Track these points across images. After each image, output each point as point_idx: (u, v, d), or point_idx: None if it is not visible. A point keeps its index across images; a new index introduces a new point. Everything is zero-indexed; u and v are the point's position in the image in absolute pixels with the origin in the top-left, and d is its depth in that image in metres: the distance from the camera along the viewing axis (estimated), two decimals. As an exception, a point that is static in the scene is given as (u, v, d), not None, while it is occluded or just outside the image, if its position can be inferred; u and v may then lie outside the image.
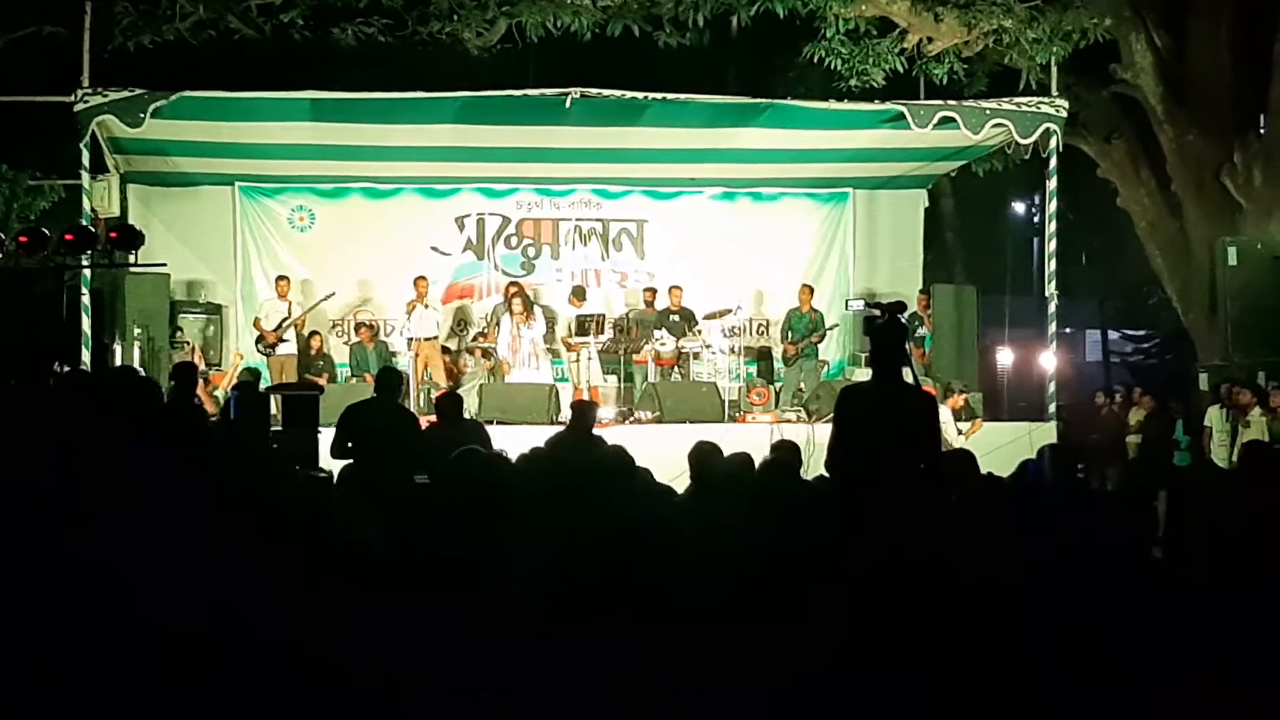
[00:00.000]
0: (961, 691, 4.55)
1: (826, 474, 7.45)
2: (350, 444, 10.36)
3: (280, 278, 18.58)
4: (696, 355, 18.50)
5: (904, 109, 16.11)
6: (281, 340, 18.08)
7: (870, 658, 4.42)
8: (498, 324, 18.26)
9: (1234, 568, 5.96)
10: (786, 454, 8.42)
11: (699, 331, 18.46)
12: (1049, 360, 17.41)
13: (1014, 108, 16.37)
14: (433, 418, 12.23)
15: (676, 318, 18.63)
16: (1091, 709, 4.51)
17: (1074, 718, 4.50)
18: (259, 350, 18.29)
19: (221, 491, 4.03)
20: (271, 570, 3.49)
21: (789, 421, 16.20)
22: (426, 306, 18.12)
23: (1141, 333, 37.04)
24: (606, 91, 15.59)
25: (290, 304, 18.28)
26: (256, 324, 18.33)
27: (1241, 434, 14.91)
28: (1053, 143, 16.43)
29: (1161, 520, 7.87)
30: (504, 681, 3.68)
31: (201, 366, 16.76)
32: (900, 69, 17.37)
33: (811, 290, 19.13)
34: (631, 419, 16.60)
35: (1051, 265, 17.13)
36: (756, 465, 7.39)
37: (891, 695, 4.40)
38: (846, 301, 19.31)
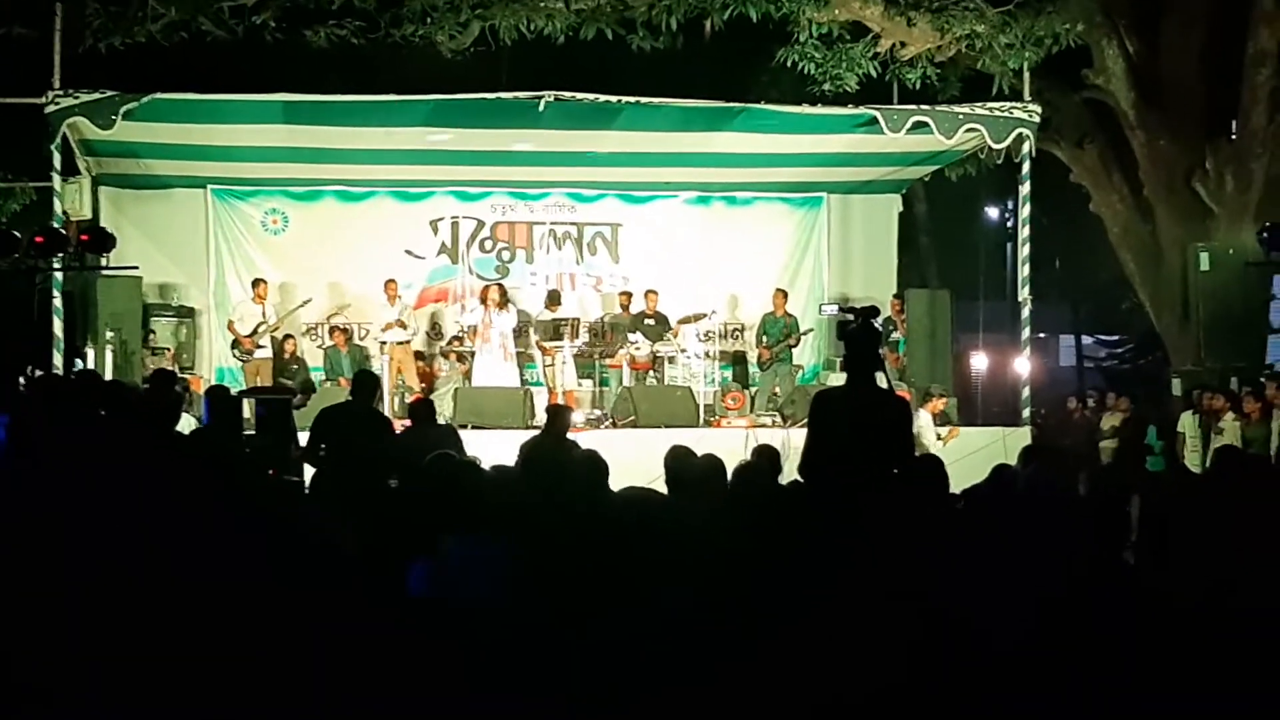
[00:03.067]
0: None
1: (801, 479, 7.44)
2: (321, 449, 10.22)
3: (257, 281, 18.49)
4: (671, 359, 18.49)
5: (877, 113, 16.13)
6: (258, 346, 18.01)
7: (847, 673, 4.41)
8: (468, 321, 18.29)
9: (1206, 574, 5.96)
10: (763, 459, 8.40)
11: (674, 335, 18.45)
12: (1023, 365, 17.45)
13: (987, 113, 16.41)
14: (407, 422, 12.18)
15: (652, 321, 18.61)
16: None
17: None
18: (235, 355, 18.23)
19: (192, 495, 3.99)
20: (239, 574, 3.47)
21: (764, 426, 16.19)
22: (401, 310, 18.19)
23: (1115, 337, 37.20)
24: (580, 95, 15.56)
25: (265, 307, 18.20)
26: (230, 327, 18.26)
27: (1214, 440, 14.92)
28: (1025, 148, 16.49)
29: (1134, 526, 7.87)
30: (472, 689, 3.67)
31: (175, 370, 16.70)
32: (873, 74, 17.41)
33: (786, 294, 19.15)
34: (606, 424, 16.56)
35: (1025, 270, 17.18)
36: (729, 468, 7.34)
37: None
38: (820, 306, 19.30)
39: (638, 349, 18.18)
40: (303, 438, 10.82)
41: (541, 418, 14.43)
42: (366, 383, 11.04)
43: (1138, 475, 16.96)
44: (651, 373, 18.43)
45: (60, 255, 13.42)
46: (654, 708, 3.84)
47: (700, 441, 9.24)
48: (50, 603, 3.09)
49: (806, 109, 16.49)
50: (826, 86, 17.30)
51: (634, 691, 3.85)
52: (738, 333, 20.39)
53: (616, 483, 6.83)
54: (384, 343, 17.99)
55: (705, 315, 18.44)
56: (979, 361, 22.42)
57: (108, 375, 14.77)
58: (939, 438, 15.53)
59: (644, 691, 3.86)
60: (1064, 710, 4.51)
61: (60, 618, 3.07)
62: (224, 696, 3.12)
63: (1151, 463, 17.60)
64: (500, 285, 18.18)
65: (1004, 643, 4.77)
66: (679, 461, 7.34)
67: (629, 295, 19.28)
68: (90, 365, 15.94)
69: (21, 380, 12.82)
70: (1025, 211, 17.22)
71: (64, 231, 14.10)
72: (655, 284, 19.26)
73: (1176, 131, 18.25)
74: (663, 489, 7.12)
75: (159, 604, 3.14)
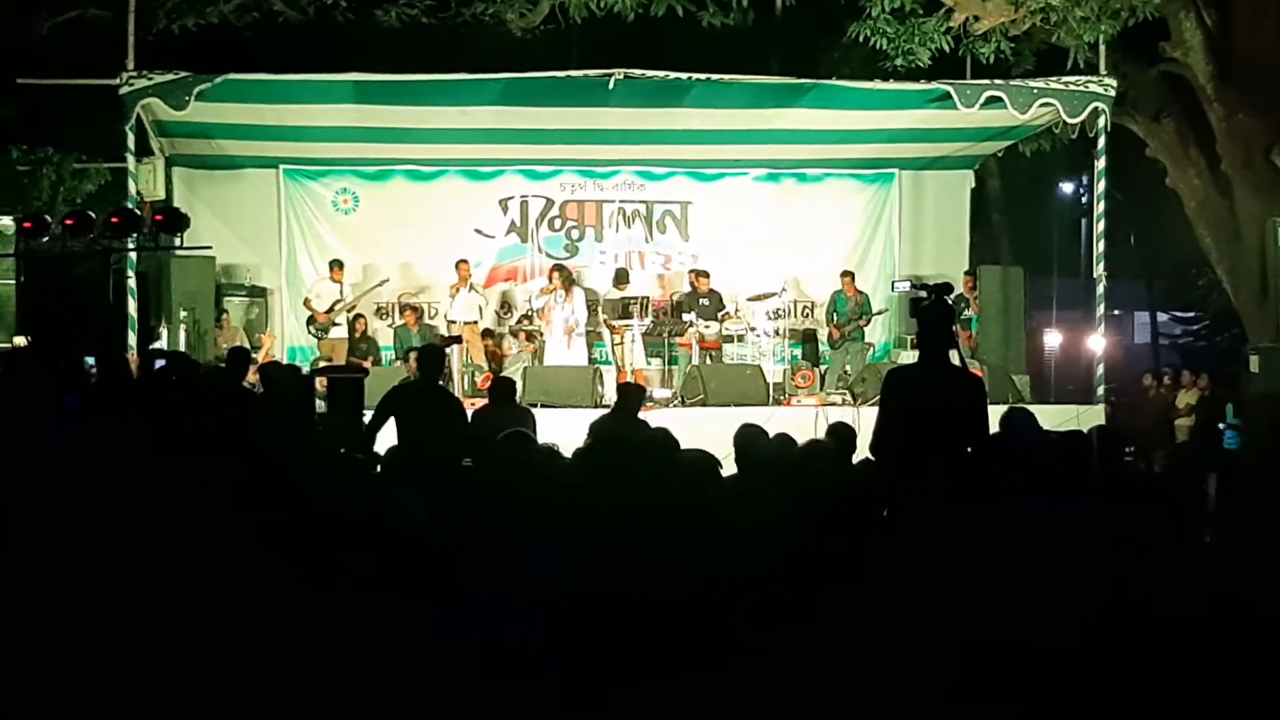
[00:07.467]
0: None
1: (872, 457, 7.39)
2: (382, 427, 10.08)
3: (334, 263, 18.63)
4: (740, 338, 18.43)
5: (950, 88, 15.98)
6: (334, 324, 18.16)
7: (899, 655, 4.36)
8: (532, 303, 18.38)
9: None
10: (837, 438, 8.34)
11: (728, 315, 18.41)
12: (1097, 342, 17.24)
13: (1062, 87, 16.21)
14: (475, 402, 12.16)
15: (706, 301, 18.54)
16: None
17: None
18: (310, 332, 18.40)
19: (261, 472, 4.00)
20: (307, 551, 3.47)
21: (834, 404, 16.09)
22: (470, 290, 18.18)
23: (1190, 314, 36.73)
24: (650, 72, 15.51)
25: (343, 286, 18.36)
26: (307, 304, 18.42)
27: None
28: (1101, 122, 16.29)
29: (1212, 504, 7.75)
30: (533, 671, 3.65)
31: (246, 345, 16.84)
32: (946, 48, 17.21)
33: (853, 277, 19.06)
34: (675, 403, 16.51)
35: (1100, 246, 16.94)
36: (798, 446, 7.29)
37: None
38: (893, 283, 19.17)
39: (707, 328, 18.14)
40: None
41: (610, 396, 14.43)
42: (432, 357, 10.85)
43: (1215, 453, 16.72)
44: (720, 351, 18.37)
45: (134, 235, 13.54)
46: (716, 684, 3.81)
47: (770, 420, 9.19)
48: (110, 575, 3.10)
49: (878, 85, 16.32)
50: (899, 62, 17.12)
51: (696, 669, 3.82)
52: (808, 310, 20.30)
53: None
54: (452, 321, 18.04)
55: (775, 293, 18.37)
56: (1053, 339, 22.22)
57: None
58: None
59: (707, 668, 3.83)
60: (1143, 693, 4.45)
61: (118, 590, 3.09)
62: (287, 670, 3.12)
63: (1228, 440, 17.33)
64: (565, 267, 18.19)
65: (1079, 623, 4.71)
66: (749, 440, 7.31)
67: (697, 273, 19.23)
68: (164, 344, 16.10)
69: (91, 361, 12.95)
70: (1101, 187, 16.97)
71: (138, 212, 14.23)
72: (724, 262, 19.30)
73: (1255, 105, 17.94)
74: (732, 468, 7.10)
75: (222, 578, 3.15)
